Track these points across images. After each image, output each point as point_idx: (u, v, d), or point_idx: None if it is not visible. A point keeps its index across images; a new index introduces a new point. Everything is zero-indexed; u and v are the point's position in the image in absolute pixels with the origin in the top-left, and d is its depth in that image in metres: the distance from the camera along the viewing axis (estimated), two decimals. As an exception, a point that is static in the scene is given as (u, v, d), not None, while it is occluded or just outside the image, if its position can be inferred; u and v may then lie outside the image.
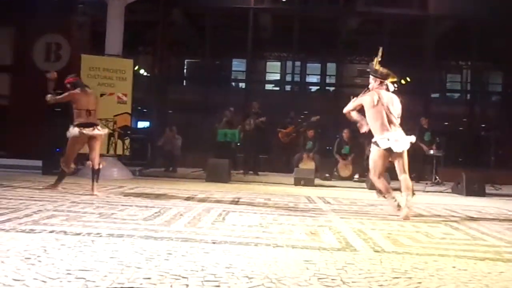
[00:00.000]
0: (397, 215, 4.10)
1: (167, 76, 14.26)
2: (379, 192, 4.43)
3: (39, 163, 7.76)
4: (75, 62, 8.96)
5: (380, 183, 4.35)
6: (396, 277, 2.08)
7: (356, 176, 8.96)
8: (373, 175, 4.42)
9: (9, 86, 12.10)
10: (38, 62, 11.27)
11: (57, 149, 7.70)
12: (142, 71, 15.52)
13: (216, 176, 7.72)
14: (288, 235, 3.00)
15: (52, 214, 3.37)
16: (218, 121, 9.94)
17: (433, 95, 14.67)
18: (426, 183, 8.75)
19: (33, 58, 11.25)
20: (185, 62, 18.61)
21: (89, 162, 5.21)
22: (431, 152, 9.03)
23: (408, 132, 4.41)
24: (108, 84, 8.04)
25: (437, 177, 8.97)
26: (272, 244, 2.68)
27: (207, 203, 4.55)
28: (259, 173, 9.50)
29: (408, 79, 14.52)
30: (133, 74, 8.62)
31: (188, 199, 4.88)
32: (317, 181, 8.31)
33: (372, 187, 6.02)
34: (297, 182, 7.83)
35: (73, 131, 5.11)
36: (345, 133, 9.29)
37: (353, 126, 5.26)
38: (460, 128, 14.92)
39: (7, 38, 12.33)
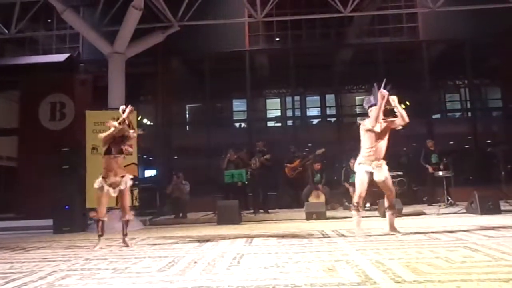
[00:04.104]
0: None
1: (169, 123, 14.48)
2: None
3: (49, 222, 7.74)
4: (80, 118, 9.14)
5: None
6: (420, 308, 2.03)
7: (368, 204, 8.85)
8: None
9: (16, 148, 12.35)
10: (44, 122, 11.53)
11: (66, 207, 7.71)
12: (145, 120, 15.77)
13: (227, 218, 7.66)
14: (306, 274, 2.95)
15: (66, 274, 3.33)
16: (222, 163, 9.94)
17: (434, 116, 14.73)
18: (439, 205, 8.63)
19: (39, 118, 11.52)
20: (187, 107, 18.91)
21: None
22: (440, 173, 8.96)
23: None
24: (113, 137, 8.12)
25: (449, 198, 8.85)
26: (290, 285, 2.63)
27: (221, 247, 4.50)
28: (269, 210, 9.43)
29: (407, 103, 14.63)
30: (137, 125, 8.75)
31: (200, 244, 4.83)
32: (329, 213, 8.22)
33: (384, 214, 5.99)
34: (308, 217, 7.75)
35: None
36: (352, 163, 9.26)
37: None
38: (466, 146, 14.85)
39: (13, 101, 12.71)
